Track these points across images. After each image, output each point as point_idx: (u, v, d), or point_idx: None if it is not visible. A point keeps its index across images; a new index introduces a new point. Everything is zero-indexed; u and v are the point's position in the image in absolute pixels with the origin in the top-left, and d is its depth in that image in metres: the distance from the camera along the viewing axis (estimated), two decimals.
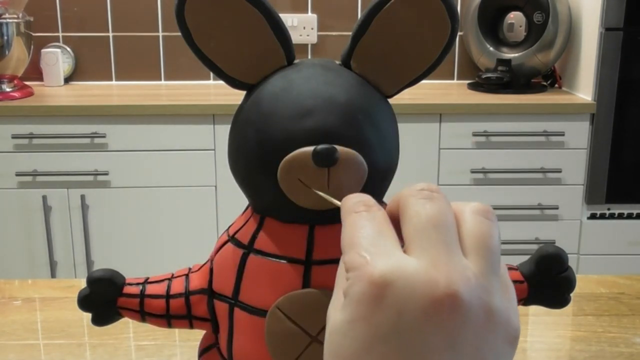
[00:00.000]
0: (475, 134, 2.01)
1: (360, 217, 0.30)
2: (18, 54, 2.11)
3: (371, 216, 0.30)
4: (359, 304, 0.27)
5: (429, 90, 2.16)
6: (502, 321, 0.28)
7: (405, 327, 0.26)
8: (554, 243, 2.01)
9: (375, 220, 0.30)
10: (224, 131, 1.97)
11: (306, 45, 2.39)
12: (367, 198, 0.31)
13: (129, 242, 2.06)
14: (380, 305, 0.26)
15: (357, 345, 0.27)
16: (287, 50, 0.45)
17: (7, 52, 2.08)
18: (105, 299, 0.50)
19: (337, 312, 0.28)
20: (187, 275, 0.50)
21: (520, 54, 2.18)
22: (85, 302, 0.50)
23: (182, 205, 2.04)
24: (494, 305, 0.28)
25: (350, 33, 0.45)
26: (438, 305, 0.26)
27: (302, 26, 2.36)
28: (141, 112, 1.98)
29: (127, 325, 0.73)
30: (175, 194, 2.03)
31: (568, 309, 0.68)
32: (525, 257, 0.50)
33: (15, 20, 2.08)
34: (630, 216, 2.08)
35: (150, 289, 0.50)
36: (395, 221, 0.30)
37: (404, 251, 0.28)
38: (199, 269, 0.50)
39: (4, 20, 2.05)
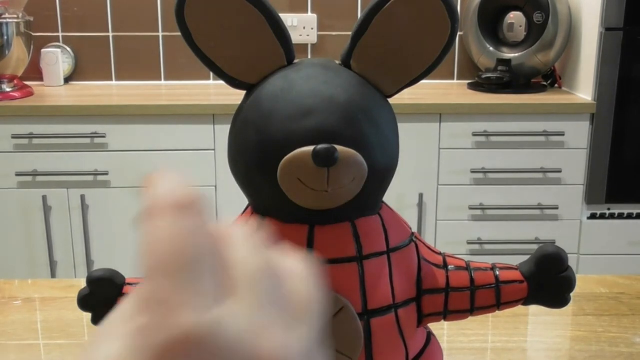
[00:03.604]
0: (475, 134, 2.01)
1: (181, 223, 0.21)
2: (18, 54, 2.11)
3: (193, 229, 0.21)
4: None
5: (429, 90, 2.16)
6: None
7: None
8: (554, 243, 2.01)
9: (197, 236, 0.21)
10: (224, 131, 1.97)
11: (306, 45, 2.39)
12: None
13: (129, 242, 2.06)
14: None
15: None
16: (287, 50, 0.45)
17: (7, 52, 2.08)
18: (105, 299, 0.50)
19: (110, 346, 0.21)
20: None
21: (520, 54, 2.18)
22: (85, 302, 0.50)
23: None
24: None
25: (350, 33, 0.45)
26: None
27: (302, 26, 2.36)
28: (141, 112, 1.98)
29: None
30: None
31: (568, 309, 0.68)
32: (525, 257, 0.50)
33: (15, 20, 2.08)
34: (630, 216, 2.08)
35: None
36: None
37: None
38: None
39: (4, 20, 2.05)
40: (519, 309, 0.51)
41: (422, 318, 0.48)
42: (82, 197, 2.01)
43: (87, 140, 1.99)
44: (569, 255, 0.49)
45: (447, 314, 0.49)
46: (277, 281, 0.22)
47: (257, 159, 0.44)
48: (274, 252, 0.24)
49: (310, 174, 0.41)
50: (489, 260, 0.52)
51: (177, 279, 0.20)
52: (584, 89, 2.10)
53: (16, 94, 2.05)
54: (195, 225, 0.21)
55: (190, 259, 0.20)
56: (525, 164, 2.04)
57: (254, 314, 0.20)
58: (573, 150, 2.04)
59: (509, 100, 2.05)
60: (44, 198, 2.01)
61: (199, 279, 0.20)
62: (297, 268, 0.24)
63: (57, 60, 2.27)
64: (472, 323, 0.72)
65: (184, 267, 0.20)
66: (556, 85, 2.30)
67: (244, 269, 0.21)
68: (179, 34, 0.44)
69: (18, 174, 1.99)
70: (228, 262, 0.21)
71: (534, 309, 0.49)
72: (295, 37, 2.29)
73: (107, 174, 2.00)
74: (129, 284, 0.50)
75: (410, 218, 2.03)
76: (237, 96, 0.47)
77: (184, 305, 0.19)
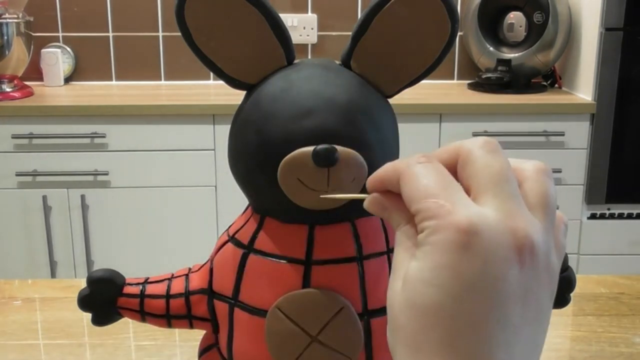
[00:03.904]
0: (475, 134, 2.01)
1: (425, 167, 0.29)
2: (18, 54, 2.11)
3: (435, 167, 0.30)
4: (444, 251, 0.27)
5: (429, 90, 2.16)
6: (554, 278, 0.29)
7: (491, 276, 0.27)
8: None
9: (442, 171, 0.29)
10: (224, 131, 1.97)
11: (306, 45, 2.39)
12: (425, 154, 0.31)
13: (129, 242, 2.06)
14: (467, 253, 0.27)
15: (443, 294, 0.27)
16: (287, 50, 0.45)
17: (7, 52, 2.08)
18: (105, 299, 0.50)
19: (413, 262, 0.28)
20: (187, 275, 0.50)
21: (520, 54, 2.18)
22: (85, 302, 0.50)
23: (182, 205, 2.04)
24: (551, 261, 0.29)
25: (350, 33, 0.45)
26: (519, 253, 0.27)
27: (302, 26, 2.36)
28: (141, 112, 1.98)
29: (127, 325, 0.73)
30: (175, 194, 2.03)
31: (568, 309, 0.68)
32: None
33: (15, 20, 2.08)
34: (630, 216, 2.08)
35: (150, 289, 0.50)
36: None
37: (472, 200, 0.28)
38: (199, 269, 0.50)
39: (4, 20, 2.05)
40: None
41: None
42: (82, 197, 2.01)
43: (87, 140, 1.99)
44: (569, 255, 0.49)
45: None
46: (514, 183, 0.29)
47: (257, 159, 0.44)
48: (512, 158, 0.31)
49: (310, 174, 0.41)
50: None
51: (448, 192, 0.28)
52: (584, 89, 2.10)
53: (16, 94, 2.05)
54: (439, 165, 0.30)
55: (449, 181, 0.29)
56: None
57: (505, 205, 0.28)
58: (573, 150, 2.04)
59: (509, 100, 2.05)
60: (44, 198, 2.01)
61: (456, 188, 0.29)
62: (532, 171, 0.30)
63: (57, 60, 2.27)
64: None
65: (449, 186, 0.29)
66: (556, 85, 2.30)
67: (490, 172, 0.29)
68: (179, 34, 0.44)
69: (18, 174, 1.99)
70: (471, 179, 0.29)
71: None
72: (295, 37, 2.29)
73: (107, 174, 2.00)
74: (129, 284, 0.50)
75: None
76: (237, 96, 0.47)
77: (456, 207, 0.27)
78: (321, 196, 0.41)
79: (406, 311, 0.28)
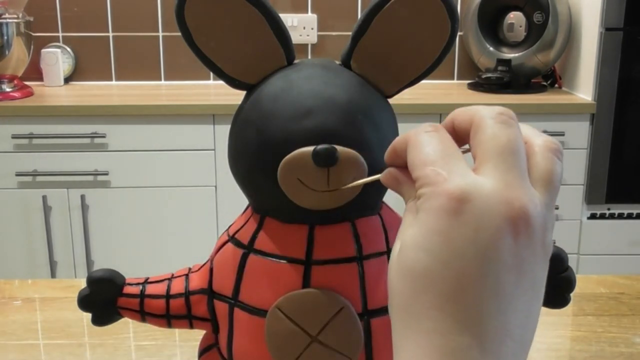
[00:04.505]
0: None
1: (430, 136, 0.30)
2: (18, 54, 2.11)
3: (440, 136, 0.30)
4: (436, 217, 0.28)
5: (429, 90, 2.16)
6: (548, 255, 0.30)
7: (482, 244, 0.27)
8: (554, 243, 2.01)
9: (446, 141, 0.30)
10: (224, 131, 1.97)
11: (306, 45, 2.39)
12: (433, 123, 0.32)
13: (129, 242, 2.06)
14: (458, 220, 0.27)
15: (432, 259, 0.27)
16: (287, 50, 0.45)
17: (7, 52, 2.08)
18: (105, 299, 0.50)
19: (409, 228, 0.29)
20: (187, 275, 0.50)
21: (520, 54, 2.18)
22: (85, 302, 0.50)
23: (182, 205, 2.04)
24: (547, 239, 0.29)
25: (350, 33, 0.45)
26: (513, 224, 0.27)
27: (302, 26, 2.36)
28: (141, 112, 1.98)
29: (127, 325, 0.73)
30: (175, 194, 2.03)
31: (568, 309, 0.68)
32: None
33: (15, 20, 2.08)
34: (630, 216, 2.08)
35: (150, 289, 0.50)
36: (460, 135, 0.31)
37: (474, 169, 0.29)
38: (199, 269, 0.50)
39: (4, 20, 2.05)
40: None
41: None
42: (82, 197, 2.01)
43: (87, 140, 1.99)
44: (569, 255, 0.49)
45: None
46: (520, 156, 0.29)
47: (257, 159, 0.44)
48: (524, 130, 0.31)
49: (310, 174, 0.41)
50: None
51: (447, 161, 0.29)
52: (584, 89, 2.10)
53: (16, 94, 2.05)
54: (520, 132, 0.30)
55: (451, 150, 0.30)
56: None
57: (504, 176, 0.28)
58: (573, 150, 2.04)
59: (509, 100, 2.05)
60: (44, 198, 2.01)
61: (457, 157, 0.29)
62: (542, 147, 0.31)
63: (57, 60, 2.27)
64: None
65: (449, 155, 0.29)
66: (556, 85, 2.30)
67: (495, 143, 0.29)
68: (179, 34, 0.44)
69: (18, 174, 1.99)
70: (477, 147, 0.30)
71: None
72: (295, 37, 2.29)
73: (107, 174, 2.00)
74: (129, 284, 0.50)
75: None
76: (237, 96, 0.47)
77: (452, 176, 0.28)
78: (342, 187, 0.41)
79: (400, 276, 0.29)
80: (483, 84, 2.18)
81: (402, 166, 0.32)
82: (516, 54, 2.18)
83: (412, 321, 0.28)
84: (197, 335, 0.54)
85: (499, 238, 0.27)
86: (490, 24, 2.24)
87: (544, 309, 0.50)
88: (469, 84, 2.30)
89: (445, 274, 0.27)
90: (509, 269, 0.27)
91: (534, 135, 0.31)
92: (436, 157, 0.29)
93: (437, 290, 0.27)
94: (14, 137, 1.97)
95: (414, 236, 0.28)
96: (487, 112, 0.31)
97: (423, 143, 0.30)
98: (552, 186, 0.30)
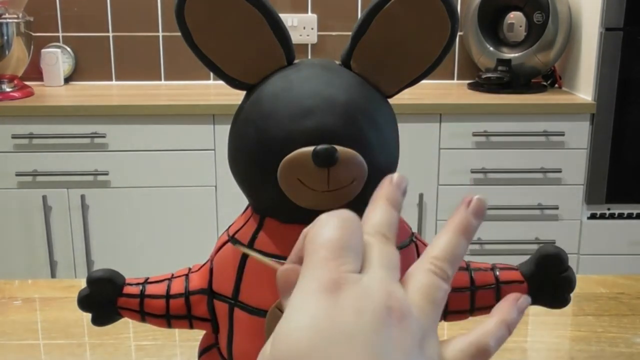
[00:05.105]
0: (475, 134, 2.01)
1: (344, 221, 0.29)
2: (18, 54, 2.11)
3: (352, 226, 0.29)
4: (317, 296, 0.26)
5: (429, 90, 2.16)
6: None
7: (364, 327, 0.26)
8: (554, 243, 2.01)
9: (353, 232, 0.29)
10: (224, 131, 1.97)
11: (306, 45, 2.39)
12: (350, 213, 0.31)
13: (129, 242, 2.06)
14: (337, 299, 0.26)
15: (309, 346, 0.25)
16: (287, 50, 0.45)
17: (7, 52, 2.08)
18: (105, 299, 0.50)
19: (284, 316, 0.27)
20: (187, 276, 0.50)
21: (520, 54, 2.18)
22: (85, 302, 0.50)
23: (182, 205, 2.04)
24: (425, 345, 0.27)
25: (350, 33, 0.45)
26: (389, 311, 0.26)
27: (302, 26, 2.36)
28: (141, 112, 1.98)
29: (127, 325, 0.73)
30: (175, 194, 2.03)
31: (568, 309, 0.68)
32: (525, 257, 0.50)
33: (15, 20, 2.08)
34: (630, 216, 2.08)
35: (150, 289, 0.50)
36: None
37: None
38: (199, 269, 0.50)
39: (4, 20, 2.05)
40: None
41: None
42: (82, 197, 2.01)
43: (87, 140, 1.99)
44: (569, 255, 0.49)
45: (447, 314, 0.49)
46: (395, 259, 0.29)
47: (257, 159, 0.44)
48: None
49: (310, 174, 0.41)
50: (489, 260, 0.52)
51: (339, 253, 0.28)
52: (584, 89, 2.10)
53: (16, 94, 2.05)
54: (353, 224, 0.29)
55: (349, 243, 0.29)
56: (525, 164, 2.04)
57: (384, 277, 0.28)
58: (573, 150, 2.04)
59: (509, 100, 2.05)
60: (44, 198, 2.01)
61: (354, 257, 0.28)
62: (419, 270, 0.30)
63: (57, 60, 2.27)
64: (472, 323, 0.72)
65: (345, 248, 0.28)
66: (556, 85, 2.30)
67: (375, 253, 0.29)
68: (179, 34, 0.44)
69: (18, 174, 1.99)
70: (366, 247, 0.29)
71: (534, 309, 0.49)
72: (295, 37, 2.29)
73: (107, 174, 2.00)
74: (129, 284, 0.50)
75: (410, 218, 2.03)
76: (237, 96, 0.47)
77: (341, 268, 0.27)
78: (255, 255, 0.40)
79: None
80: (483, 84, 2.18)
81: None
82: (516, 54, 2.18)
83: None
84: (197, 335, 0.54)
85: (380, 323, 0.26)
86: (490, 24, 2.24)
87: (544, 309, 0.50)
88: (469, 84, 2.30)
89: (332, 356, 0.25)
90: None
91: (413, 269, 0.30)
92: (333, 244, 0.28)
93: None
94: (14, 137, 1.97)
95: (290, 322, 0.26)
96: (370, 230, 0.30)
97: (329, 225, 0.29)
98: (432, 299, 0.29)
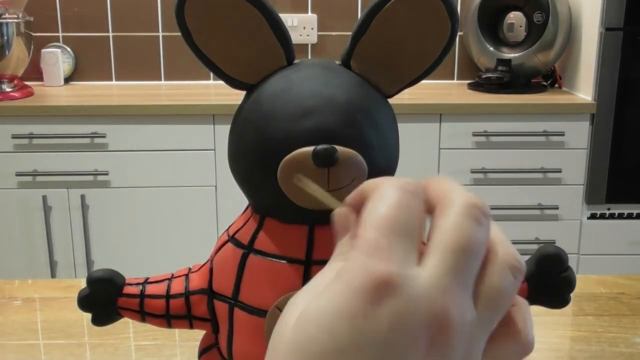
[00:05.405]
0: (475, 134, 2.01)
1: (400, 197, 0.26)
2: (18, 54, 2.11)
3: (410, 203, 0.26)
4: (351, 298, 0.24)
5: (429, 90, 2.16)
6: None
7: (392, 347, 0.23)
8: (554, 243, 2.01)
9: (412, 211, 0.26)
10: (224, 131, 1.97)
11: (306, 45, 2.39)
12: (416, 183, 0.27)
13: (129, 242, 2.06)
14: (375, 310, 0.24)
15: (332, 344, 0.23)
16: (287, 50, 0.45)
17: (7, 52, 2.08)
18: (105, 299, 0.50)
19: (319, 296, 0.25)
20: (187, 276, 0.50)
21: (520, 54, 2.18)
22: (85, 302, 0.50)
23: (182, 205, 2.04)
24: (471, 356, 0.25)
25: (350, 33, 0.45)
26: (430, 332, 0.24)
27: (302, 26, 2.36)
28: (141, 112, 1.98)
29: (127, 325, 0.73)
30: (175, 194, 2.03)
31: (568, 309, 0.68)
32: (525, 257, 0.50)
33: (15, 20, 2.08)
34: (630, 216, 2.08)
35: (150, 289, 0.50)
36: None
37: (421, 256, 0.25)
38: (199, 269, 0.50)
39: (4, 20, 2.05)
40: None
41: None
42: (82, 197, 2.01)
43: (87, 140, 1.99)
44: (569, 255, 0.49)
45: None
46: (474, 261, 0.25)
47: (257, 159, 0.44)
48: (493, 232, 0.27)
49: (310, 174, 0.41)
50: None
51: (394, 239, 0.25)
52: (584, 89, 2.10)
53: (16, 94, 2.05)
54: (415, 203, 0.26)
55: (408, 226, 0.25)
56: (525, 164, 2.04)
57: (445, 277, 0.24)
58: (573, 150, 2.04)
59: (509, 100, 2.05)
60: (44, 198, 2.01)
61: (410, 235, 0.25)
62: (502, 260, 0.26)
63: (57, 60, 2.27)
64: None
65: (402, 231, 0.25)
66: (556, 85, 2.30)
67: (453, 236, 0.25)
68: (179, 34, 0.44)
69: (18, 174, 1.99)
70: (435, 232, 0.26)
71: (534, 309, 0.49)
72: (295, 37, 2.29)
73: (107, 174, 2.00)
74: (129, 284, 0.50)
75: None
76: (237, 96, 0.47)
77: (390, 256, 0.24)
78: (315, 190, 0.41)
79: (291, 349, 0.24)
80: (483, 84, 2.18)
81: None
82: (516, 54, 2.18)
83: None
84: (197, 335, 0.53)
85: (412, 344, 0.23)
86: (490, 24, 2.24)
87: (544, 309, 0.50)
88: (469, 84, 2.30)
89: None
90: None
91: (500, 243, 0.27)
92: (390, 226, 0.25)
93: None
94: (14, 137, 1.97)
95: (321, 311, 0.24)
96: (460, 199, 0.26)
97: (388, 201, 0.26)
98: (495, 305, 0.26)
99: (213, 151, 2.00)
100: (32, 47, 2.17)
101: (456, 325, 0.24)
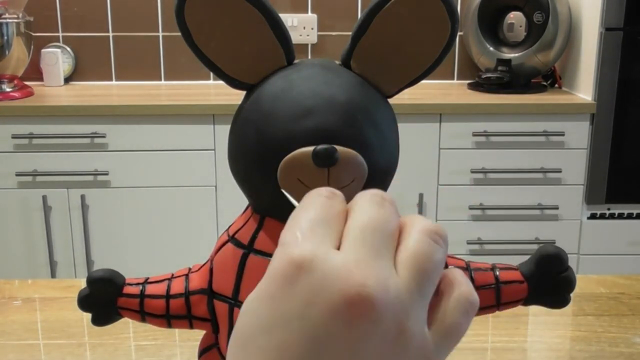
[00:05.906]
0: (475, 134, 2.01)
1: (318, 200, 0.28)
2: (18, 54, 2.11)
3: (328, 204, 0.28)
4: (272, 281, 0.25)
5: (429, 90, 2.16)
6: (411, 352, 0.25)
7: (310, 320, 0.24)
8: (554, 243, 2.01)
9: (330, 209, 0.28)
10: (224, 131, 1.97)
11: (306, 45, 2.39)
12: (337, 193, 0.29)
13: (129, 242, 2.06)
14: (291, 289, 0.25)
15: (257, 324, 0.25)
16: (287, 50, 0.45)
17: (7, 52, 2.08)
18: (105, 299, 0.50)
19: (253, 291, 0.27)
20: (187, 276, 0.50)
21: (520, 54, 2.18)
22: (85, 302, 0.50)
23: (182, 205, 2.04)
24: (408, 327, 0.25)
25: (350, 33, 0.45)
26: (348, 305, 0.24)
27: (302, 26, 2.36)
28: (141, 112, 1.98)
29: (127, 325, 0.73)
30: (175, 194, 2.03)
31: (568, 309, 0.68)
32: (525, 257, 0.50)
33: (15, 20, 2.08)
34: (630, 216, 2.08)
35: (150, 289, 0.50)
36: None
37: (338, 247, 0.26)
38: (199, 269, 0.50)
39: (4, 20, 2.05)
40: (519, 309, 0.51)
41: None
42: (82, 197, 2.01)
43: (87, 140, 1.99)
44: (569, 255, 0.49)
45: None
46: (385, 234, 0.27)
47: (257, 159, 0.44)
48: (410, 217, 0.28)
49: (310, 174, 0.41)
50: (489, 260, 0.52)
51: (313, 227, 0.27)
52: (584, 89, 2.10)
53: (16, 94, 2.05)
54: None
55: (326, 217, 0.27)
56: (525, 164, 2.04)
57: (356, 253, 0.25)
58: (573, 150, 2.04)
59: (509, 100, 2.05)
60: (44, 198, 2.01)
61: (331, 225, 0.27)
62: (417, 229, 0.27)
63: (57, 60, 2.27)
64: (472, 323, 0.72)
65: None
66: (556, 85, 2.30)
67: (359, 219, 0.27)
68: (179, 34, 0.44)
69: (18, 174, 1.99)
70: (351, 216, 0.27)
71: (534, 309, 0.49)
72: (295, 37, 2.29)
73: (107, 174, 2.00)
74: (129, 284, 0.50)
75: None
76: (237, 96, 0.47)
77: (305, 241, 0.26)
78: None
79: (233, 337, 0.27)
80: (483, 84, 2.18)
81: None
82: (516, 54, 2.18)
83: None
84: (197, 335, 0.53)
85: (330, 318, 0.24)
86: (490, 24, 2.24)
87: (543, 309, 0.50)
88: (469, 84, 2.30)
89: (265, 344, 0.25)
90: (339, 356, 0.24)
91: (415, 220, 0.28)
92: (305, 220, 0.27)
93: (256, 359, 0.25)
94: (14, 137, 1.97)
95: (249, 300, 0.26)
96: (364, 194, 0.28)
97: (306, 204, 0.28)
98: (421, 271, 0.26)
99: (213, 151, 2.00)
100: (32, 47, 2.17)
101: (376, 297, 0.24)
